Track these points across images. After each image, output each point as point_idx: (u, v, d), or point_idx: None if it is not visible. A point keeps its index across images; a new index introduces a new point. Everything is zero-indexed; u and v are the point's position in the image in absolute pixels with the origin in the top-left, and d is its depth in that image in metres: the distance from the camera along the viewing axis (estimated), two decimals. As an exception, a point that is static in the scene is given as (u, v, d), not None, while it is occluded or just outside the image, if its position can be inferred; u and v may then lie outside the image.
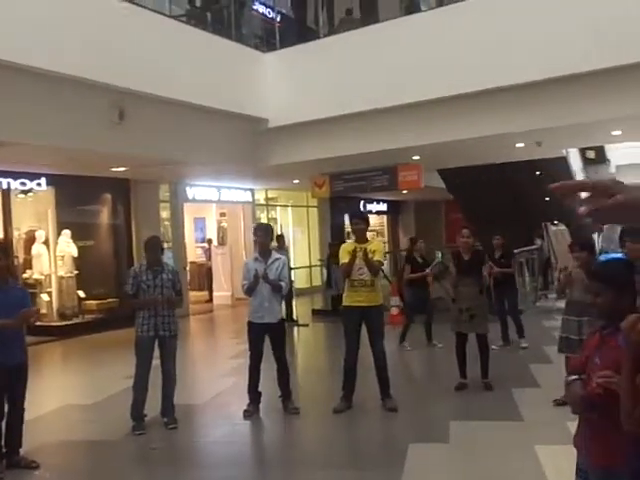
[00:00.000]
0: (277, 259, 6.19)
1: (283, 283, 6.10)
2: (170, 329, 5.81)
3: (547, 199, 14.08)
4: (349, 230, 19.72)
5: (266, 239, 6.28)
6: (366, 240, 6.27)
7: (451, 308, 6.75)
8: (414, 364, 8.87)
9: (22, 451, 4.95)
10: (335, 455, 5.19)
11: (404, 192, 16.95)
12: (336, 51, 10.56)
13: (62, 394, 7.55)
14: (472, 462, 4.82)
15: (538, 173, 16.04)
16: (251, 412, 6.12)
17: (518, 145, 11.02)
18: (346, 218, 19.40)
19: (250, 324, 6.13)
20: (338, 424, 5.93)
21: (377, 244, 6.47)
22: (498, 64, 8.83)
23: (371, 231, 17.54)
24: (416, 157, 11.76)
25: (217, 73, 10.19)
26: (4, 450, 4.83)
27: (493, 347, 7.06)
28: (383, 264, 6.37)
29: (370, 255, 5.94)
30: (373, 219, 20.44)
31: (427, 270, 9.22)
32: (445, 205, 23.23)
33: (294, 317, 12.60)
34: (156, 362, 5.89)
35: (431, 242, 13.53)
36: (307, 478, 4.76)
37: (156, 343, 5.80)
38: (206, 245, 17.61)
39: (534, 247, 13.91)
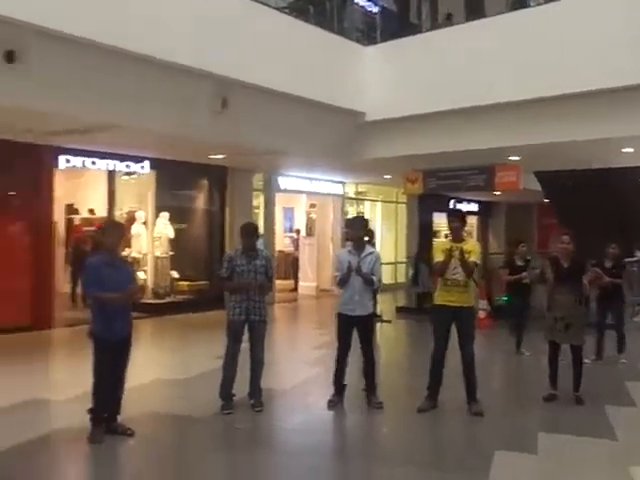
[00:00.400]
0: (370, 253, 6.17)
1: (375, 277, 6.09)
2: (261, 314, 5.95)
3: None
4: (437, 229, 19.64)
5: (361, 232, 6.27)
6: (462, 239, 6.13)
7: (546, 316, 6.54)
8: (502, 370, 8.67)
9: (119, 419, 5.22)
10: (416, 453, 5.15)
11: (497, 193, 16.52)
12: (438, 46, 10.43)
13: (155, 369, 7.90)
14: (561, 476, 4.66)
15: (644, 181, 15.19)
16: (335, 402, 6.17)
17: (625, 150, 10.50)
18: (435, 216, 19.19)
19: (340, 315, 6.16)
20: (421, 423, 5.89)
21: (473, 244, 6.30)
22: (604, 64, 8.46)
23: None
24: (514, 157, 11.44)
25: (318, 65, 10.28)
26: (105, 416, 5.11)
27: (585, 361, 6.77)
28: (478, 265, 6.23)
29: (466, 255, 5.84)
30: (463, 219, 19.98)
31: (523, 274, 8.95)
32: (538, 209, 22.47)
33: (378, 312, 12.56)
34: (245, 345, 6.04)
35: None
36: (386, 474, 4.75)
37: (246, 327, 5.95)
38: (294, 235, 17.85)
39: (635, 259, 13.23)
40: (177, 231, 12.99)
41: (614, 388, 7.06)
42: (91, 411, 5.07)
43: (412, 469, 4.72)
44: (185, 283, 13.14)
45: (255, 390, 6.02)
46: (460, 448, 5.44)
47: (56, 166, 10.82)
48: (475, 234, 23.41)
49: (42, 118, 8.10)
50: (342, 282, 6.09)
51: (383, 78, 10.93)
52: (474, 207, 22.23)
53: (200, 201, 13.86)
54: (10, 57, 6.89)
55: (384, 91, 10.83)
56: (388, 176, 15.09)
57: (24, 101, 7.24)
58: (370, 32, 12.42)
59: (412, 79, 10.55)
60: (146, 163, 11.97)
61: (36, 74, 7.17)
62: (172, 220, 12.90)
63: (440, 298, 6.05)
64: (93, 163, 11.34)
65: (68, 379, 6.97)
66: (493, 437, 5.54)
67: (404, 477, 4.60)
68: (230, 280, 5.95)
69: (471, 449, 5.42)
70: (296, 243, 17.45)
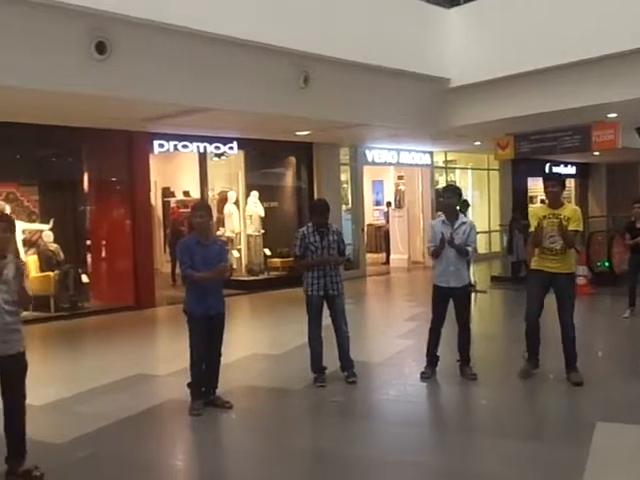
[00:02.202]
0: (464, 223, 6.02)
1: (470, 248, 5.94)
2: (338, 288, 6.00)
3: None
4: (532, 194, 18.93)
5: (454, 201, 6.12)
6: (561, 204, 5.79)
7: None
8: (604, 338, 8.30)
9: (217, 392, 5.42)
10: (514, 424, 5.05)
11: (595, 154, 15.68)
12: (524, 2, 9.95)
13: (250, 343, 8.15)
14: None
15: None
16: (429, 374, 6.13)
17: None
18: (530, 181, 18.50)
19: (435, 287, 6.08)
20: (517, 393, 5.76)
21: (572, 210, 5.84)
22: None
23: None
24: (612, 115, 10.80)
25: (399, 32, 10.06)
26: (203, 389, 5.33)
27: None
28: (580, 232, 5.91)
29: (564, 223, 5.56)
30: (560, 183, 19.17)
31: None
32: (643, 168, 21.18)
33: (472, 283, 12.32)
34: (327, 321, 6.08)
35: (624, 209, 12.37)
36: (484, 444, 4.69)
37: (325, 302, 6.00)
38: (385, 208, 17.75)
39: None
40: (267, 209, 13.23)
41: None
42: (190, 385, 5.30)
43: (509, 440, 4.62)
44: (277, 260, 13.40)
45: (346, 362, 6.07)
46: (559, 418, 5.27)
47: (151, 151, 11.26)
48: (573, 198, 22.42)
49: (135, 105, 8.43)
50: (435, 253, 6.00)
51: (468, 41, 10.57)
52: (571, 170, 21.24)
53: (288, 178, 14.03)
54: (101, 48, 7.18)
55: (469, 55, 10.48)
56: (478, 143, 14.65)
57: (117, 90, 7.55)
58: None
59: (499, 39, 10.15)
60: (234, 144, 12.23)
61: (126, 63, 7.44)
62: (262, 199, 13.15)
63: (536, 263, 5.83)
64: (185, 146, 11.71)
65: (170, 354, 7.30)
66: (594, 408, 5.33)
67: (502, 448, 4.51)
68: (304, 258, 6.00)
69: (571, 420, 5.24)
70: (387, 216, 17.35)
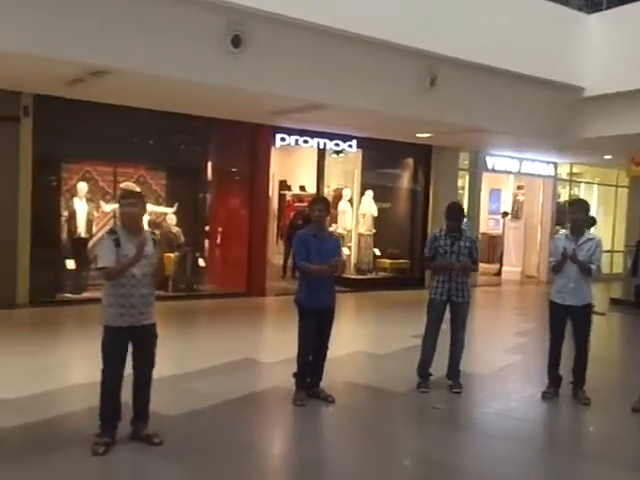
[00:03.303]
0: (590, 239, 5.76)
1: (593, 266, 5.66)
2: (463, 295, 5.87)
3: None
4: (664, 216, 17.68)
5: (581, 216, 5.84)
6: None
7: None
8: None
9: (322, 385, 5.49)
10: (622, 454, 4.76)
11: None
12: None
13: (355, 341, 8.18)
14: None
15: None
16: (551, 395, 5.88)
17: None
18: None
19: (551, 303, 5.86)
20: (632, 423, 5.42)
21: None
22: None
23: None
24: None
25: (534, 37, 9.72)
26: (308, 380, 5.41)
27: None
28: None
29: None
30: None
31: None
32: None
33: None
34: (444, 326, 6.00)
35: None
36: (584, 471, 4.49)
37: (448, 308, 5.90)
38: (500, 218, 17.22)
39: None
40: (381, 209, 13.22)
41: None
42: (295, 375, 5.40)
43: (614, 470, 4.39)
44: (387, 261, 13.36)
45: (454, 371, 5.97)
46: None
47: (273, 144, 11.56)
48: None
49: (263, 99, 8.67)
50: (556, 269, 5.77)
51: (608, 49, 10.03)
52: None
53: (404, 180, 13.94)
54: (237, 42, 7.45)
55: (608, 63, 9.94)
56: (608, 156, 13.88)
57: (249, 83, 7.81)
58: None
59: (641, 49, 9.56)
60: (354, 142, 12.30)
61: (259, 58, 7.67)
62: (376, 198, 13.15)
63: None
64: (305, 141, 11.91)
65: (277, 343, 7.48)
66: None
67: (604, 475, 4.30)
68: (433, 260, 5.94)
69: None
70: (503, 226, 16.83)
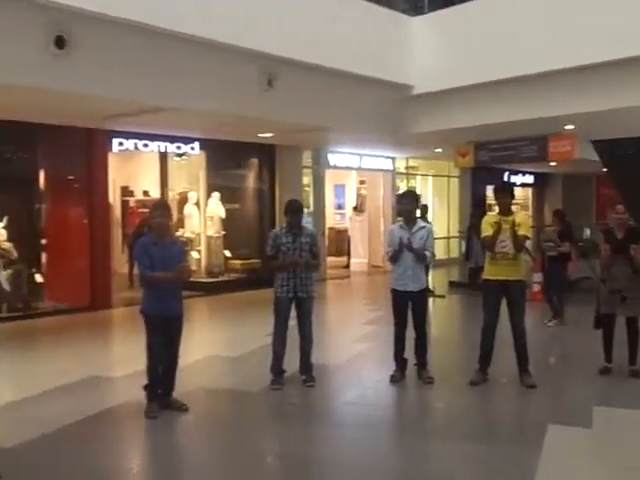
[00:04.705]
0: (422, 227, 6.12)
1: (427, 252, 6.03)
2: (308, 291, 5.99)
3: None
4: (490, 202, 19.29)
5: (412, 206, 6.21)
6: (510, 213, 6.06)
7: (601, 289, 6.34)
8: (555, 343, 8.48)
9: (174, 394, 5.36)
10: (468, 427, 5.13)
11: (552, 164, 16.05)
12: (487, 14, 10.11)
13: (208, 346, 8.07)
14: (617, 451, 4.56)
15: None
16: (398, 378, 6.16)
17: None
18: (488, 189, 18.82)
19: (393, 291, 6.15)
20: (472, 396, 5.84)
21: (522, 217, 6.25)
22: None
23: (515, 204, 16.80)
24: (569, 126, 11.07)
25: (363, 38, 10.11)
26: (159, 392, 5.26)
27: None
28: (529, 238, 6.12)
29: (516, 228, 5.75)
30: (517, 192, 19.55)
31: None
32: (596, 179, 21.78)
33: (430, 288, 12.47)
34: (293, 322, 6.09)
35: (579, 218, 12.74)
36: (438, 448, 4.76)
37: (293, 304, 6.00)
38: (350, 212, 17.78)
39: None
40: (228, 211, 13.15)
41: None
42: (146, 387, 5.23)
43: (463, 444, 4.69)
44: (238, 262, 13.32)
45: (306, 366, 6.07)
46: (512, 422, 5.39)
47: (110, 149, 11.07)
48: (530, 206, 22.91)
49: (94, 102, 8.27)
50: (393, 258, 6.07)
51: (431, 49, 10.68)
52: (529, 179, 21.70)
53: (250, 180, 13.97)
54: (60, 43, 7.02)
55: (432, 63, 10.59)
56: (439, 150, 14.84)
57: (76, 86, 7.38)
58: (417, 2, 12.14)
59: (461, 49, 10.29)
60: (196, 144, 12.12)
61: (85, 59, 7.28)
62: (223, 200, 13.06)
63: (488, 272, 6.02)
64: (145, 145, 11.55)
65: (125, 357, 7.19)
66: (546, 411, 5.46)
67: (455, 451, 4.58)
68: (275, 258, 5.99)
69: (524, 423, 5.37)
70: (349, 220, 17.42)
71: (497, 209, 6.19)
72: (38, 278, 10.28)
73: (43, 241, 10.92)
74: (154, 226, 5.24)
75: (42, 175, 10.77)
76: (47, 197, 10.98)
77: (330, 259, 16.09)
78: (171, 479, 4.27)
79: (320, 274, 14.28)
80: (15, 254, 9.93)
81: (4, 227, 9.95)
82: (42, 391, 5.86)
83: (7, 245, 9.89)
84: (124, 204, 14.44)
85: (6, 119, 8.99)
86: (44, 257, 10.84)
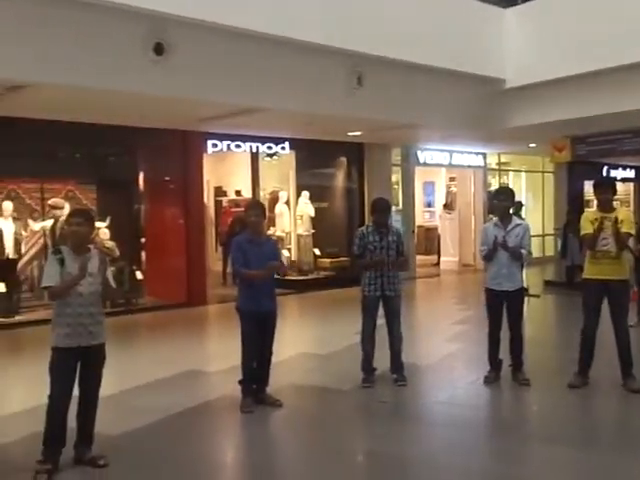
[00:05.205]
0: (518, 225, 5.94)
1: (523, 251, 5.85)
2: (395, 289, 5.95)
3: None
4: (588, 198, 18.48)
5: (508, 203, 6.04)
6: (612, 209, 5.73)
7: None
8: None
9: (268, 390, 5.48)
10: (565, 432, 4.93)
11: (657, 157, 15.18)
12: (582, 2, 9.71)
13: (300, 343, 8.20)
14: None
15: None
16: (492, 379, 6.01)
17: None
18: (586, 185, 18.02)
19: (488, 291, 6.01)
20: (571, 400, 5.63)
21: (625, 213, 5.87)
22: None
23: (615, 200, 15.99)
24: (677, 117, 10.45)
25: (453, 32, 9.94)
26: (254, 387, 5.39)
27: None
28: (632, 235, 5.81)
29: (618, 226, 5.46)
30: (618, 187, 18.65)
31: None
32: None
33: (525, 286, 12.10)
34: (381, 321, 6.06)
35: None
36: (534, 452, 4.61)
37: (381, 302, 5.98)
38: (440, 210, 17.56)
39: None
40: (318, 209, 13.28)
41: None
42: (241, 382, 5.36)
43: (560, 448, 4.53)
44: (327, 260, 13.43)
45: (397, 365, 6.04)
46: (614, 428, 5.15)
47: (205, 151, 11.44)
48: (632, 202, 21.73)
49: (189, 105, 8.57)
50: (488, 257, 5.93)
51: (525, 41, 10.36)
52: (630, 173, 20.58)
53: (339, 179, 14.05)
54: (159, 49, 7.33)
55: (526, 55, 10.28)
56: (533, 145, 14.38)
57: (173, 90, 7.69)
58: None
59: (557, 40, 9.92)
60: (286, 144, 12.31)
61: (181, 64, 7.56)
62: (313, 199, 13.21)
63: (589, 271, 5.74)
64: (238, 146, 11.86)
65: (221, 352, 7.42)
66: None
67: (551, 456, 4.42)
68: (363, 257, 5.97)
69: (625, 428, 5.10)
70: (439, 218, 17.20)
71: (596, 205, 5.92)
72: (138, 275, 10.79)
73: (142, 240, 11.46)
74: (249, 225, 5.37)
75: (141, 177, 11.29)
76: (146, 198, 11.51)
77: (419, 257, 15.94)
78: (264, 472, 4.37)
79: (409, 272, 14.21)
80: (117, 252, 10.45)
81: (107, 227, 10.50)
82: (145, 383, 6.15)
83: (110, 244, 10.42)
84: (217, 204, 14.90)
85: (108, 123, 9.46)
86: (143, 255, 11.38)
